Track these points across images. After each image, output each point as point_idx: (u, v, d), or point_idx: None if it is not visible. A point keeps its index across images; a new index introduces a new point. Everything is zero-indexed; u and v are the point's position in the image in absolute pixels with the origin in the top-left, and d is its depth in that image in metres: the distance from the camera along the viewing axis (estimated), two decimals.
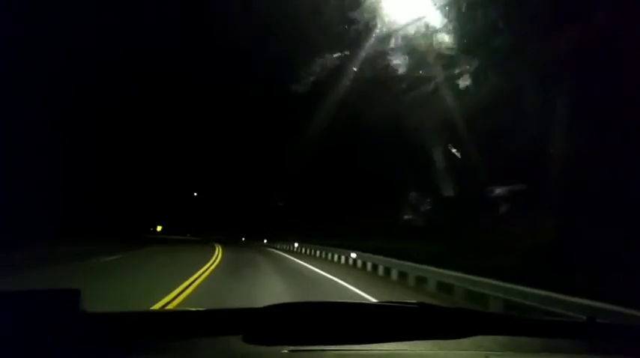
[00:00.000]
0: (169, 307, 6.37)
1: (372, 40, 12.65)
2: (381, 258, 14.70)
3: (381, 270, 14.44)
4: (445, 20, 11.30)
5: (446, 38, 11.54)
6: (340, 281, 12.13)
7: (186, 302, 7.09)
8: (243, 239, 58.93)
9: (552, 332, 1.69)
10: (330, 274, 13.82)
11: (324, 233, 30.28)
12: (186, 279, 9.65)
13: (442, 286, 10.34)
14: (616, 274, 8.01)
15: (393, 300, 1.90)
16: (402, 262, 12.90)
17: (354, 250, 17.82)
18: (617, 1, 10.06)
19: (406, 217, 20.83)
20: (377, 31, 12.09)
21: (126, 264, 14.30)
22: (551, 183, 11.61)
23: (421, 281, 11.39)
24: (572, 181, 11.08)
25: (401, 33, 12.12)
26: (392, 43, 12.47)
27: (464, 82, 12.37)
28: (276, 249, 34.88)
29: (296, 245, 30.61)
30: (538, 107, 12.02)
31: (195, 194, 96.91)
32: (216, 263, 15.78)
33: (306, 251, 27.25)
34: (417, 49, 12.32)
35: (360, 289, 10.50)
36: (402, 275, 12.68)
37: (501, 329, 1.63)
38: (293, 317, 1.50)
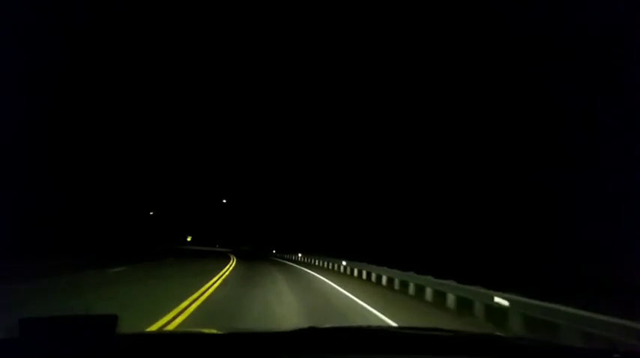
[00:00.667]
0: None
1: None
2: None
3: None
4: None
5: None
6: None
7: None
8: (274, 251, 53.06)
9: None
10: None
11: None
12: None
13: None
14: None
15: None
16: None
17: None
18: None
19: None
20: None
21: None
22: None
23: None
24: None
25: None
26: None
27: None
28: (315, 270, 23.78)
29: (344, 263, 22.26)
30: None
31: (225, 201, 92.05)
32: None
33: (370, 277, 18.11)
34: None
35: None
36: None
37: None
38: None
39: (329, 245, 35.59)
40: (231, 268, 20.57)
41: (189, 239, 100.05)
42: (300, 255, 35.42)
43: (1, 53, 24.21)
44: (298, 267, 26.75)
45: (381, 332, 1.99)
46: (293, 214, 69.74)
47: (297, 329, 1.62)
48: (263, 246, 66.14)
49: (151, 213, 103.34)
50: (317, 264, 27.79)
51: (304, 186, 65.95)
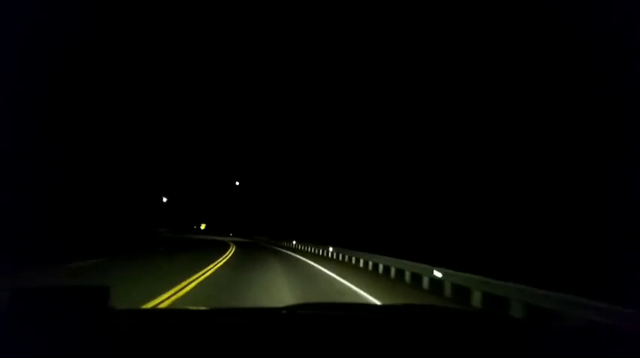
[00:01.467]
0: None
1: None
2: None
3: None
4: None
5: None
6: None
7: None
8: (294, 243, 38.19)
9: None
10: None
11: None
12: None
13: None
14: None
15: None
16: None
17: None
18: None
19: None
20: None
21: None
22: None
23: None
24: None
25: None
26: None
27: None
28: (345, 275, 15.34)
29: (381, 265, 16.62)
30: None
31: (238, 184, 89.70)
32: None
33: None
34: None
35: None
36: None
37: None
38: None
39: (332, 233, 34.92)
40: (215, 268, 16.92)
41: (202, 227, 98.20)
42: (331, 249, 27.12)
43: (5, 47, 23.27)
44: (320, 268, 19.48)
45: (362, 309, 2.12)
46: (296, 202, 65.87)
47: (285, 306, 1.67)
48: (282, 234, 55.49)
49: (165, 200, 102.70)
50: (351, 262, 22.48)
51: (305, 177, 62.32)
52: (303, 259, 22.75)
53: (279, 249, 35.77)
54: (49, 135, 30.75)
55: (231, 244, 35.45)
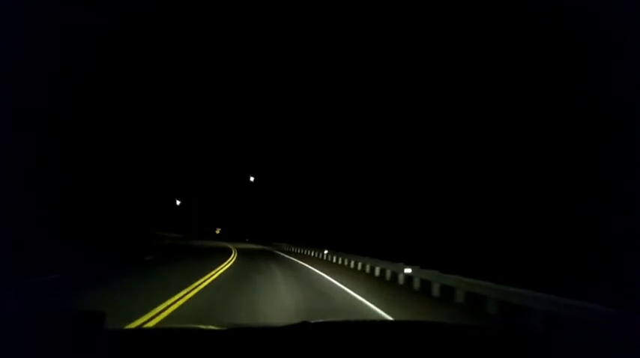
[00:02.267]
0: None
1: None
2: None
3: None
4: None
5: None
6: None
7: None
8: (325, 253, 28.06)
9: None
10: None
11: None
12: None
13: None
14: None
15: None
16: None
17: None
18: None
19: None
20: None
21: None
22: None
23: None
24: None
25: None
26: None
27: None
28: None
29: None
30: None
31: (252, 179, 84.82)
32: None
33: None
34: None
35: None
36: None
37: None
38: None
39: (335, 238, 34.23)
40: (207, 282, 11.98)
41: (217, 232, 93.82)
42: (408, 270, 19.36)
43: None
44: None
45: (371, 326, 2.05)
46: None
47: (288, 324, 1.64)
48: (306, 241, 46.65)
49: (179, 203, 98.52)
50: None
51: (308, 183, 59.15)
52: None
53: (303, 264, 22.46)
54: (63, 140, 29.75)
55: (235, 254, 27.37)
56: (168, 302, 7.58)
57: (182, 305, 7.51)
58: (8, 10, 21.22)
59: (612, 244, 14.13)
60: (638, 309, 6.05)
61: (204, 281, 11.26)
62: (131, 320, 5.84)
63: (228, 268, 16.27)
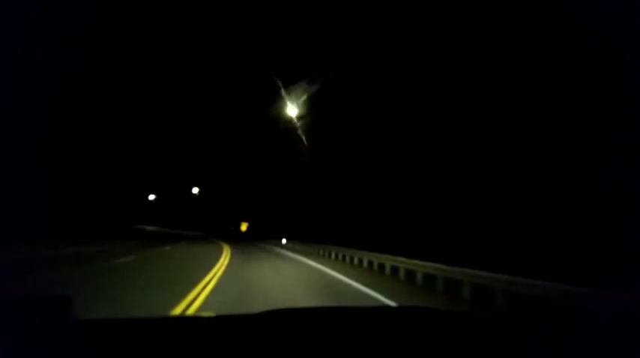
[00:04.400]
0: None
1: None
2: None
3: None
4: None
5: None
6: None
7: None
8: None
9: None
10: None
11: None
12: None
13: None
14: None
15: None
16: None
17: None
18: None
19: None
20: None
21: None
22: None
23: None
24: None
25: None
26: None
27: None
28: None
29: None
30: None
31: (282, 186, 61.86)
32: None
33: None
34: None
35: None
36: None
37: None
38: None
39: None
40: None
41: (243, 228, 71.49)
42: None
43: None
44: None
45: (351, 312, 1.90)
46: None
47: (266, 311, 1.58)
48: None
49: (196, 192, 79.55)
50: None
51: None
52: None
53: None
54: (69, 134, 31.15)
55: None
56: None
57: None
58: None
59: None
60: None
61: None
62: None
63: None
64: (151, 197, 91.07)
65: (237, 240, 45.98)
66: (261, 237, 49.54)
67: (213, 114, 79.40)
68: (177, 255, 18.74)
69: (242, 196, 74.04)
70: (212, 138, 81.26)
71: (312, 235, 31.38)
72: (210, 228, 74.56)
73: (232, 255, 19.43)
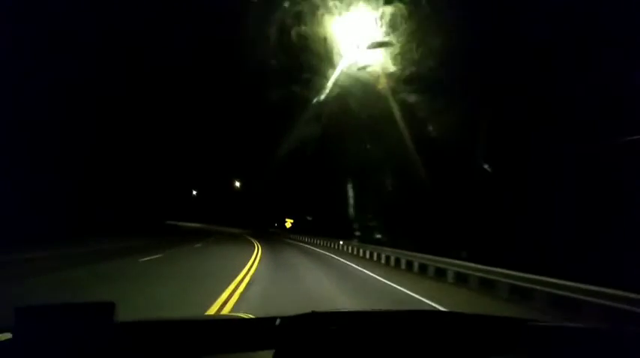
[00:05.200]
0: None
1: None
2: None
3: None
4: None
5: None
6: None
7: None
8: None
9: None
10: None
11: None
12: None
13: None
14: None
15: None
16: None
17: None
18: None
19: None
20: None
21: None
22: None
23: None
24: None
25: None
26: None
27: None
28: None
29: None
30: None
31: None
32: None
33: None
34: None
35: None
36: None
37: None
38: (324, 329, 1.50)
39: None
40: None
41: (288, 224, 67.63)
42: None
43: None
44: None
45: (380, 316, 1.92)
46: None
47: (297, 314, 1.56)
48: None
49: (237, 185, 75.88)
50: None
51: None
52: None
53: None
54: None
55: None
56: None
57: None
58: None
59: None
60: None
61: None
62: None
63: None
64: (194, 193, 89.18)
65: (274, 239, 41.83)
66: (311, 233, 42.83)
67: (260, 103, 75.47)
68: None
69: (287, 190, 69.73)
70: (254, 130, 77.82)
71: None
72: (253, 224, 70.94)
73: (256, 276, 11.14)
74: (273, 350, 1.32)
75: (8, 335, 1.20)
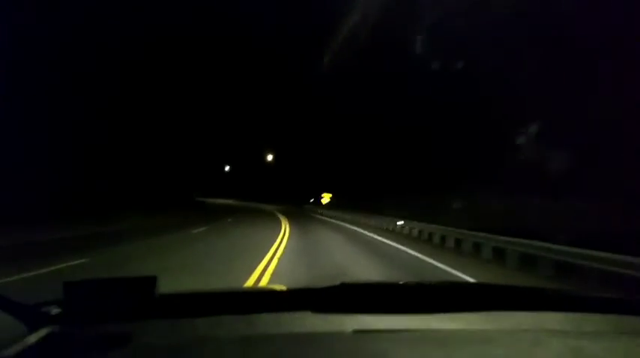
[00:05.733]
0: None
1: None
2: None
3: None
4: None
5: None
6: None
7: None
8: None
9: (618, 310, 1.57)
10: None
11: None
12: None
13: None
14: None
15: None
16: None
17: None
18: None
19: None
20: None
21: None
22: None
23: None
24: None
25: None
26: None
27: None
28: None
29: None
30: None
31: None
32: None
33: None
34: None
35: None
36: None
37: (561, 306, 1.58)
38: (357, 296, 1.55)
39: None
40: None
41: (324, 200, 63.95)
42: None
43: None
44: None
45: (410, 288, 1.84)
46: None
47: (327, 286, 1.53)
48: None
49: (270, 159, 72.21)
50: None
51: None
52: None
53: None
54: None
55: None
56: None
57: None
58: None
59: None
60: None
61: None
62: None
63: None
64: (227, 168, 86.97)
65: (305, 217, 37.91)
66: (350, 209, 36.87)
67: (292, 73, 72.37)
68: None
69: (324, 163, 65.78)
70: (287, 99, 74.67)
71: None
72: (288, 199, 67.71)
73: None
74: (310, 310, 1.37)
75: (58, 310, 1.26)
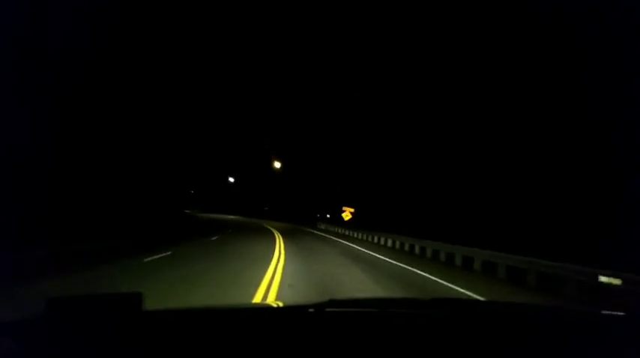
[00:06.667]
0: None
1: None
2: None
3: None
4: None
5: None
6: None
7: None
8: None
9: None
10: None
11: None
12: None
13: None
14: None
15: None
16: None
17: None
18: None
19: None
20: None
21: None
22: None
23: None
24: None
25: None
26: None
27: None
28: None
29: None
30: None
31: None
32: None
33: None
34: None
35: None
36: None
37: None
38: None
39: None
40: None
41: (346, 215, 54.99)
42: None
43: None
44: None
45: (400, 303, 1.96)
46: None
47: (315, 303, 1.57)
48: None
49: (278, 165, 63.72)
50: None
51: None
52: None
53: None
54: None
55: None
56: None
57: None
58: None
59: None
60: None
61: None
62: None
63: None
64: (231, 179, 79.36)
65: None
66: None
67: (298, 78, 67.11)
68: None
69: (340, 175, 57.36)
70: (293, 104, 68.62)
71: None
72: (296, 214, 59.16)
73: None
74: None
75: (40, 327, 1.19)
